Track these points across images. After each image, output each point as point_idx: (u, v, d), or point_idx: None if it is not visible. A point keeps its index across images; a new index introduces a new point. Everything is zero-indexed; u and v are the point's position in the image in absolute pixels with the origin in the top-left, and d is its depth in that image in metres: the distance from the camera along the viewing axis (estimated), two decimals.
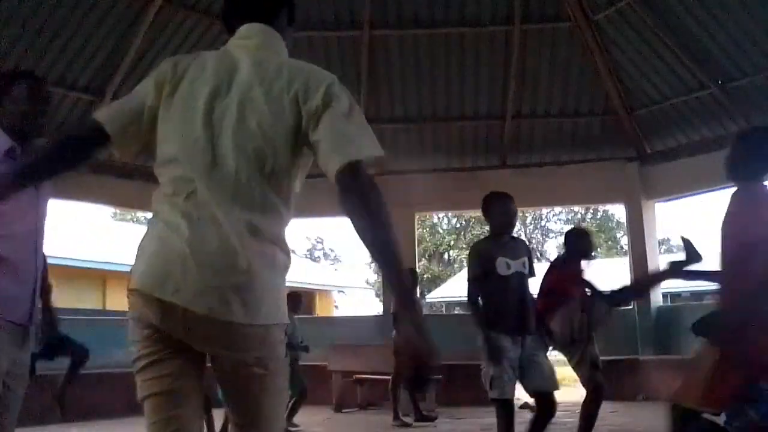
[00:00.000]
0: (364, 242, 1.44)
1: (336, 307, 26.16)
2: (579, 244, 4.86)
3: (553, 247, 35.98)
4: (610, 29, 9.09)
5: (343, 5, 9.26)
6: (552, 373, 3.97)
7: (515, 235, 4.48)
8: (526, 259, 4.07)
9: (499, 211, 4.17)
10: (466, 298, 4.09)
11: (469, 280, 4.09)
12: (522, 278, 4.02)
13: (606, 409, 7.53)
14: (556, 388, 4.00)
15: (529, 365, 3.91)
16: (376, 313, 10.42)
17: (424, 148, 10.31)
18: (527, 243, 4.45)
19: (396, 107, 10.05)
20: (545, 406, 4.00)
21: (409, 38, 9.49)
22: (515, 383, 3.91)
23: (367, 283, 30.88)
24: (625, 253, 16.63)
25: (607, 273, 10.64)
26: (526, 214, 32.37)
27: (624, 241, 24.68)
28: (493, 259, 3.96)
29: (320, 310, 22.03)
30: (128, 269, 1.61)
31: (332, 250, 38.50)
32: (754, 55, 8.34)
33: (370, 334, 9.15)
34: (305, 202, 8.13)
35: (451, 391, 8.44)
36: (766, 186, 2.89)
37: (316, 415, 7.91)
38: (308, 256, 35.52)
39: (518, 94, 9.74)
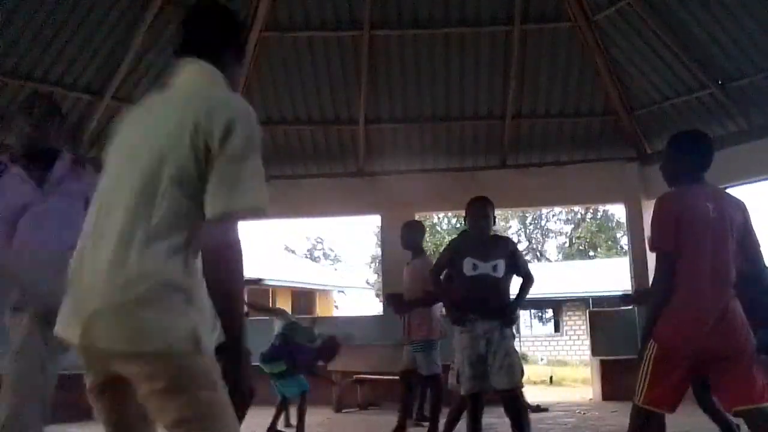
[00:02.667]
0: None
1: (336, 307, 26.17)
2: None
3: (553, 247, 36.06)
4: (610, 29, 9.09)
5: (343, 5, 9.25)
6: (509, 370, 3.99)
7: (504, 235, 4.58)
8: (499, 261, 4.12)
9: (470, 213, 4.32)
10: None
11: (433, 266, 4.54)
12: (487, 279, 4.11)
13: (606, 408, 7.55)
14: (512, 385, 4.01)
15: (492, 362, 4.03)
16: (376, 313, 10.41)
17: (424, 148, 10.30)
18: (512, 243, 4.47)
19: (396, 107, 10.04)
20: (505, 403, 4.07)
21: (409, 38, 9.49)
22: (476, 379, 4.05)
23: (367, 283, 30.90)
24: (625, 253, 16.65)
25: (607, 273, 10.63)
26: (526, 214, 32.38)
27: (624, 241, 24.70)
28: (462, 258, 4.17)
29: (320, 310, 22.03)
30: None
31: (332, 250, 38.57)
32: (754, 56, 8.34)
33: (370, 334, 9.15)
34: (305, 202, 8.19)
35: (451, 391, 8.43)
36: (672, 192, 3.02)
37: (316, 415, 7.91)
38: (308, 256, 35.55)
39: (518, 94, 9.74)
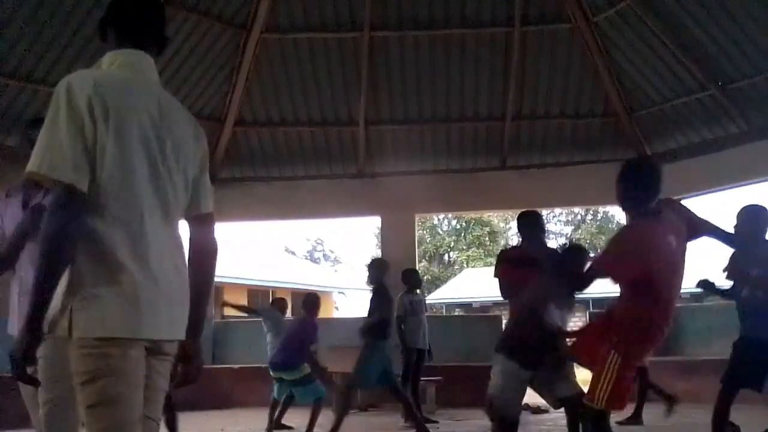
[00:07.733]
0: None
1: (336, 308, 26.17)
2: None
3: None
4: (610, 31, 9.10)
5: (343, 7, 9.26)
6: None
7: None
8: None
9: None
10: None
11: None
12: None
13: None
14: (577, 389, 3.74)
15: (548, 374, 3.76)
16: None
17: (424, 149, 10.31)
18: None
19: (396, 108, 10.05)
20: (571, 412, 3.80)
21: (410, 40, 9.50)
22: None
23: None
24: None
25: None
26: None
27: None
28: None
29: (320, 312, 22.01)
30: None
31: (332, 252, 38.56)
32: (754, 57, 8.34)
33: None
34: (306, 203, 8.14)
35: (451, 392, 8.44)
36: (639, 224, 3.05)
37: None
38: (308, 257, 35.54)
39: (518, 95, 9.75)
